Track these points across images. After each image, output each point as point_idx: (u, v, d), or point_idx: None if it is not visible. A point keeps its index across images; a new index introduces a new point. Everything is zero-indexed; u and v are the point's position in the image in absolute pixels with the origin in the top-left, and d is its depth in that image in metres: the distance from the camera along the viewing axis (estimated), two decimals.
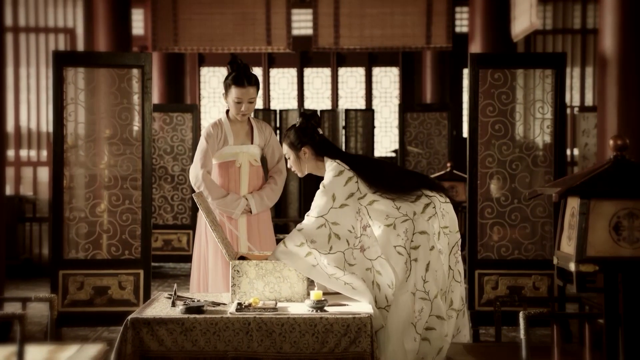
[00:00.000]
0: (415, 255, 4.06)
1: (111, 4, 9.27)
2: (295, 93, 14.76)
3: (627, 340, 3.11)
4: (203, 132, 5.06)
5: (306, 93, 14.77)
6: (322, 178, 4.30)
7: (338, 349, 3.65)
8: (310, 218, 4.16)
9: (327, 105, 14.62)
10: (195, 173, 4.97)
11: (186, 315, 3.69)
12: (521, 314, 3.74)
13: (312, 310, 3.76)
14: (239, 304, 3.81)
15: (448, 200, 4.24)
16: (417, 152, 11.60)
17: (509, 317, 5.30)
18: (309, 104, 14.61)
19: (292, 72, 14.78)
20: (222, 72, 14.44)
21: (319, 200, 4.18)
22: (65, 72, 6.06)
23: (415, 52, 13.99)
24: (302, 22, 12.58)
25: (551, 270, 5.86)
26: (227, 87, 4.95)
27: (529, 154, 6.08)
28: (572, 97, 11.75)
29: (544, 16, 11.59)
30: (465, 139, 6.54)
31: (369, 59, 14.60)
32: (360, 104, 14.60)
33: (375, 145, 13.36)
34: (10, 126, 10.37)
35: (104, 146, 6.15)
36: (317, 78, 14.77)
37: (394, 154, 13.57)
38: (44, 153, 10.40)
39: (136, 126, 6.12)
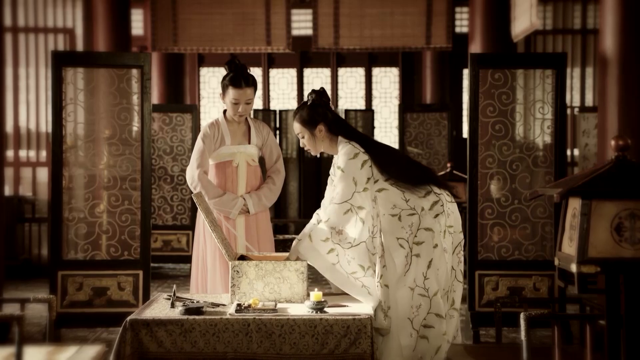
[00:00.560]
0: (418, 250, 4.05)
1: (110, 4, 9.25)
2: (295, 93, 14.74)
3: (629, 342, 3.09)
4: (200, 132, 5.05)
5: (306, 93, 14.70)
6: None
7: (338, 350, 3.63)
8: (334, 205, 4.11)
9: None
10: (191, 173, 4.96)
11: (185, 317, 3.67)
12: (522, 315, 3.73)
13: (312, 312, 3.74)
14: (239, 305, 3.79)
15: (453, 199, 4.24)
16: (417, 152, 11.59)
17: (509, 318, 5.29)
18: None
19: (292, 73, 14.76)
20: (221, 72, 14.36)
21: (340, 186, 4.13)
22: (65, 72, 6.05)
23: (415, 52, 13.96)
24: (301, 22, 12.56)
25: (552, 271, 5.86)
26: (224, 88, 4.94)
27: (530, 154, 6.07)
28: (572, 98, 11.73)
29: (544, 16, 11.57)
30: (465, 139, 6.53)
31: (369, 59, 14.58)
32: (360, 104, 14.57)
33: None
34: (9, 126, 10.35)
35: (103, 146, 6.13)
36: (317, 78, 14.75)
37: None
38: (44, 153, 10.38)
39: (135, 126, 6.11)
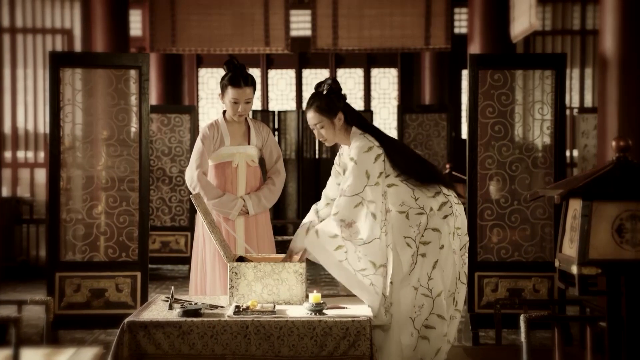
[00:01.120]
0: (424, 250, 4.03)
1: (109, 5, 9.23)
2: (293, 94, 14.72)
3: (630, 343, 3.07)
4: (199, 133, 5.03)
5: (305, 94, 14.72)
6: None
7: (337, 352, 3.61)
8: (344, 198, 4.06)
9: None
10: (190, 174, 4.94)
11: (183, 319, 3.65)
12: (522, 317, 3.71)
13: (311, 313, 3.72)
14: (237, 306, 3.77)
15: (460, 201, 4.23)
16: None
17: (508, 319, 5.27)
18: None
19: (291, 73, 14.74)
20: (220, 73, 14.38)
21: (352, 178, 4.07)
22: (62, 73, 6.03)
23: (414, 53, 13.95)
24: (300, 23, 12.54)
25: (551, 272, 5.84)
26: (223, 88, 4.92)
27: (529, 155, 6.05)
28: (572, 99, 11.72)
29: (543, 17, 11.56)
30: (464, 140, 6.51)
31: (368, 60, 14.57)
32: (359, 105, 14.55)
33: None
34: (7, 127, 10.35)
35: (101, 147, 6.11)
36: (316, 79, 14.72)
37: None
38: (41, 154, 10.36)
39: (133, 127, 6.08)
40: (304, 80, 14.73)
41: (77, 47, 10.41)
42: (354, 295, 4.29)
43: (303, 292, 3.99)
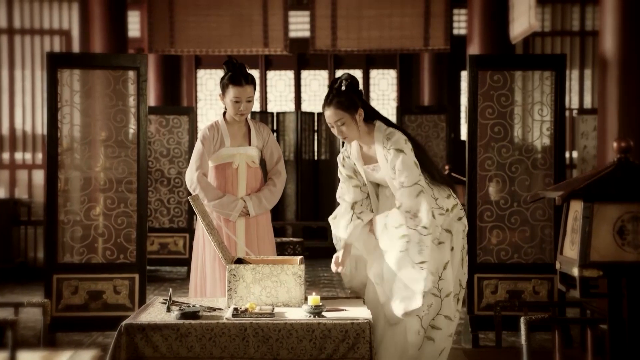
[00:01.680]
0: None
1: (107, 6, 9.21)
2: (292, 95, 14.70)
3: (631, 346, 3.05)
4: (199, 135, 5.00)
5: (303, 95, 14.71)
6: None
7: (336, 355, 3.58)
8: (404, 189, 3.97)
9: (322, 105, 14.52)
10: (190, 175, 4.91)
11: (181, 321, 3.63)
12: (523, 320, 3.69)
13: (310, 316, 3.69)
14: (235, 309, 3.74)
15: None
16: None
17: (508, 321, 5.24)
18: (306, 106, 14.55)
19: (289, 74, 14.72)
20: (218, 74, 14.37)
21: (406, 169, 3.98)
22: (60, 74, 6.00)
23: (413, 54, 13.94)
24: (299, 24, 12.52)
25: (551, 274, 5.82)
26: (224, 88, 4.89)
27: (529, 156, 6.03)
28: (571, 100, 11.70)
29: (542, 18, 11.54)
30: (463, 141, 6.49)
31: (367, 61, 14.55)
32: None
33: None
34: (5, 128, 10.32)
35: (99, 149, 6.09)
36: (315, 80, 14.71)
37: None
38: (39, 156, 10.34)
39: (132, 128, 6.06)
40: (302, 82, 14.71)
41: (75, 48, 10.38)
42: (353, 297, 4.28)
43: (302, 294, 3.96)
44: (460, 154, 7.97)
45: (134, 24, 12.75)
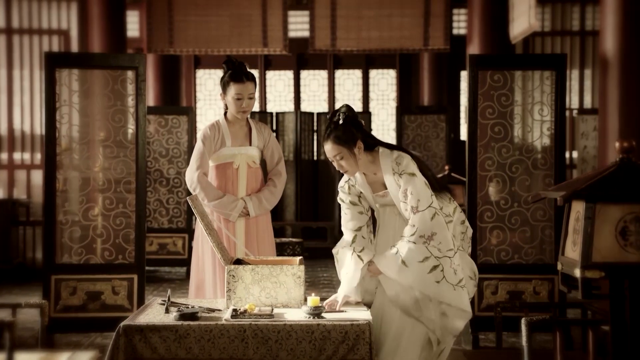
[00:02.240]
0: None
1: (106, 6, 9.19)
2: (291, 95, 14.68)
3: (634, 348, 3.02)
4: (200, 134, 4.98)
5: (302, 95, 14.69)
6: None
7: (336, 356, 3.56)
8: (418, 214, 3.88)
9: (323, 107, 14.53)
10: (190, 175, 4.89)
11: (180, 322, 3.60)
12: (524, 321, 3.66)
13: (309, 317, 3.67)
14: (234, 310, 3.72)
15: None
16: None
17: (509, 322, 5.21)
18: (305, 107, 14.53)
19: (289, 75, 14.70)
20: (218, 74, 14.35)
21: (418, 192, 3.91)
22: (58, 74, 5.98)
23: (413, 54, 13.92)
24: (298, 24, 12.50)
25: (552, 274, 5.80)
26: (225, 86, 4.87)
27: (529, 156, 6.01)
28: (571, 100, 11.68)
29: (542, 18, 11.52)
30: (463, 141, 6.47)
31: (366, 61, 14.53)
32: (357, 107, 14.50)
33: None
34: (3, 129, 10.30)
35: (97, 149, 6.06)
36: (314, 80, 14.69)
37: None
38: (38, 156, 10.32)
39: (130, 128, 6.04)
40: (302, 82, 14.69)
41: (74, 48, 10.36)
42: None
43: (301, 295, 3.93)
44: (460, 154, 7.95)
45: (133, 24, 12.73)
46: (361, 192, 4.15)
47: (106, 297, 5.97)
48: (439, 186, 4.10)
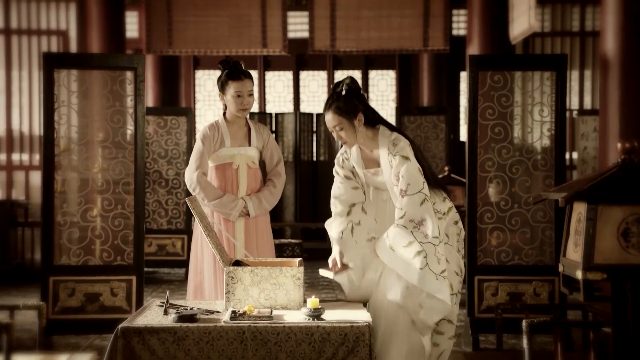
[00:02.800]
0: None
1: (104, 6, 9.17)
2: (291, 96, 14.66)
3: (636, 350, 3.00)
4: (199, 134, 4.96)
5: (302, 96, 14.67)
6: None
7: (335, 358, 3.54)
8: (407, 197, 3.86)
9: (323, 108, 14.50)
10: (190, 175, 4.87)
11: (178, 324, 3.58)
12: (524, 323, 3.64)
13: (309, 319, 3.65)
14: (233, 312, 3.70)
15: None
16: None
17: (509, 324, 5.20)
18: (305, 107, 14.51)
19: (288, 75, 14.67)
20: (217, 74, 14.25)
21: (409, 176, 3.88)
22: (57, 75, 5.96)
23: (412, 54, 13.90)
24: (298, 25, 12.48)
25: (552, 276, 5.78)
26: (223, 85, 4.86)
27: (529, 157, 5.98)
28: (571, 101, 11.67)
29: (542, 18, 11.51)
30: (463, 142, 6.45)
31: (366, 62, 14.51)
32: None
33: None
34: (1, 129, 10.28)
35: (96, 150, 6.04)
36: (313, 81, 14.67)
37: None
38: (37, 157, 10.30)
39: (129, 129, 6.02)
40: (301, 82, 14.67)
41: (73, 48, 10.35)
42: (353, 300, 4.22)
43: (301, 296, 3.91)
44: (459, 155, 7.93)
45: (132, 25, 12.72)
46: (354, 167, 4.15)
47: (105, 298, 5.94)
48: (433, 181, 4.07)
